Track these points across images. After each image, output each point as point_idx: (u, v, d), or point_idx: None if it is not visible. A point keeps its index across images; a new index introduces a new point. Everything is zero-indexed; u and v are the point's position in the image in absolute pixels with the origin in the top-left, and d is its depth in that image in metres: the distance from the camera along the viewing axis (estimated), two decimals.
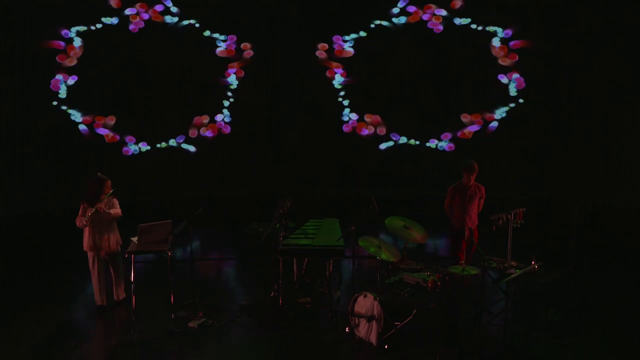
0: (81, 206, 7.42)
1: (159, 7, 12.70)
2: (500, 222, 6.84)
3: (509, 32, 12.81)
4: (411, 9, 13.02)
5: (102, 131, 12.60)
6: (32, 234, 10.96)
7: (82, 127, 12.52)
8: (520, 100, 12.94)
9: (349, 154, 13.40)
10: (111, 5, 12.41)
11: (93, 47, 12.34)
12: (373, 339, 6.41)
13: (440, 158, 13.32)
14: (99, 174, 7.53)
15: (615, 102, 12.27)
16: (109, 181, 7.47)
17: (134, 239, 7.23)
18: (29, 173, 12.09)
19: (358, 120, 13.39)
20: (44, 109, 12.17)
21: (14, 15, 11.65)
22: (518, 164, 12.99)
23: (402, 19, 13.05)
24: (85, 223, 7.28)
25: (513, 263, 6.68)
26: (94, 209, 7.25)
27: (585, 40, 12.33)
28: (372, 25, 13.15)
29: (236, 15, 13.00)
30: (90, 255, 7.49)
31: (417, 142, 13.35)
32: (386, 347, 6.32)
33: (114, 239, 7.48)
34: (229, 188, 13.18)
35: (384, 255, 6.91)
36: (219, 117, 13.16)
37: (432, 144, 13.31)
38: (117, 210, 7.44)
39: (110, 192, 7.40)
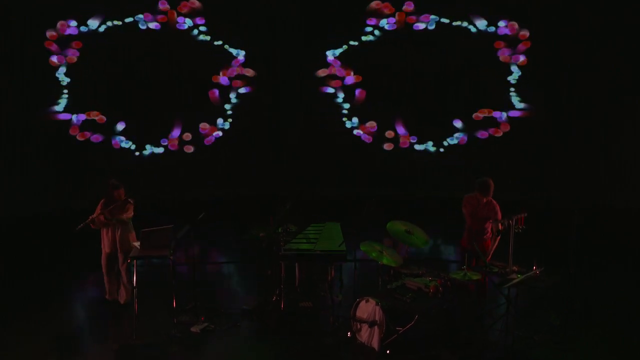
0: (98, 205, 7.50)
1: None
2: (502, 227, 6.84)
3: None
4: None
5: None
6: (32, 234, 10.94)
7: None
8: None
9: (349, 154, 13.39)
10: (111, 6, 12.40)
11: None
12: (375, 344, 6.42)
13: (440, 158, 13.33)
14: (113, 180, 7.53)
15: (615, 102, 12.29)
16: (122, 187, 7.48)
17: (136, 244, 7.25)
18: (29, 173, 12.07)
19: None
20: (44, 109, 12.16)
21: (14, 15, 11.63)
22: (518, 164, 12.98)
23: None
24: (90, 224, 7.35)
25: (515, 268, 6.68)
26: (91, 218, 7.32)
27: (585, 40, 12.32)
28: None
29: (236, 15, 12.97)
30: (102, 254, 7.60)
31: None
32: (388, 352, 6.33)
33: (124, 240, 7.49)
34: (229, 188, 13.18)
35: (386, 260, 6.91)
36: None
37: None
38: (121, 215, 7.44)
39: (124, 199, 7.43)
